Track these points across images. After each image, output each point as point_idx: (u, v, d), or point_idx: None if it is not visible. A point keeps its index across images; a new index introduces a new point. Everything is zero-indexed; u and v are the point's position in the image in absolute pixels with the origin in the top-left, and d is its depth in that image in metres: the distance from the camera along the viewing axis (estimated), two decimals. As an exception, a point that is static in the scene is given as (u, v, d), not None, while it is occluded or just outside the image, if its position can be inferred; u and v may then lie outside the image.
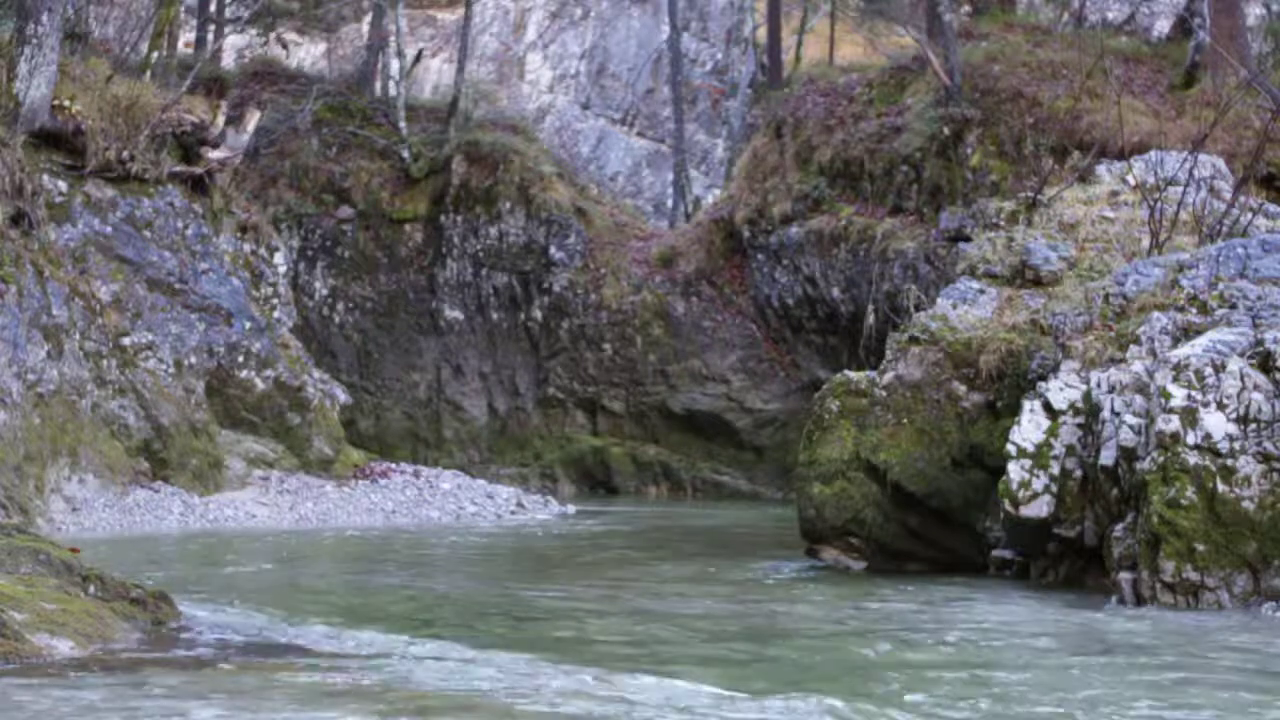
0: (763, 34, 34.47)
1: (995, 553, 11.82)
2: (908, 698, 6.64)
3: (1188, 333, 10.94)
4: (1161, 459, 9.82)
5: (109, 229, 18.00)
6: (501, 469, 25.03)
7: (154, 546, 13.92)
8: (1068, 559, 11.12)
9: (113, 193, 18.19)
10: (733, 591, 10.94)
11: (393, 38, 27.97)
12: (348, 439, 20.50)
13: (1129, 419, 10.31)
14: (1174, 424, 9.85)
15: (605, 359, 25.42)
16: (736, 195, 25.70)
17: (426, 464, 22.50)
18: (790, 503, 16.05)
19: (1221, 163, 16.80)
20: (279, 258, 21.13)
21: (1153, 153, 16.50)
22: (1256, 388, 9.99)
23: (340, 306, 26.14)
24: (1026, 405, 11.25)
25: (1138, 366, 10.77)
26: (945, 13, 22.91)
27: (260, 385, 18.71)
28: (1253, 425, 9.87)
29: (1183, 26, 24.00)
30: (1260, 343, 10.31)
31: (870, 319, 22.29)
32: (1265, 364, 10.15)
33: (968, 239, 15.34)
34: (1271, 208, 14.79)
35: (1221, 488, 9.71)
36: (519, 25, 37.65)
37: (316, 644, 7.82)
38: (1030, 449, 11.00)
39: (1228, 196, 14.80)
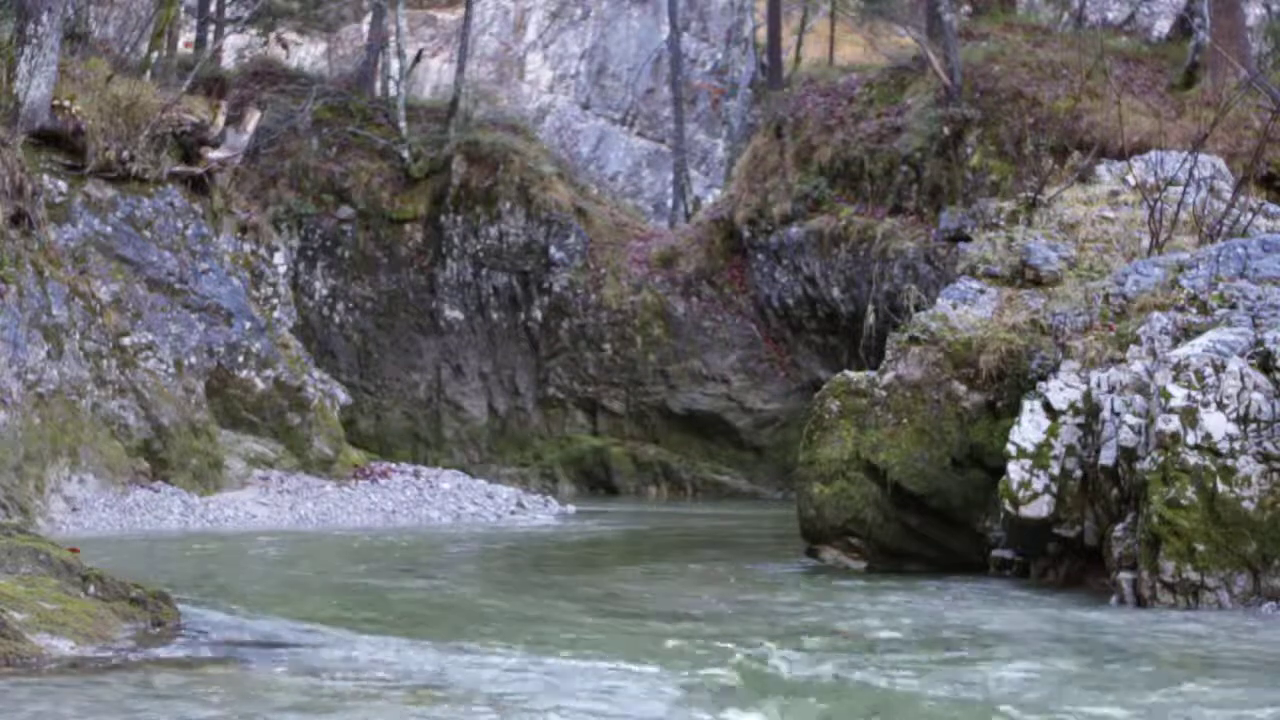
0: (763, 34, 34.47)
1: (995, 553, 11.82)
2: (903, 697, 6.64)
3: (1188, 333, 10.94)
4: (1161, 459, 9.82)
5: (109, 229, 18.00)
6: (501, 469, 25.04)
7: (154, 546, 13.92)
8: (1068, 559, 11.12)
9: (113, 193, 18.19)
10: (733, 592, 10.94)
11: (393, 38, 27.97)
12: (348, 439, 20.51)
13: (1129, 419, 10.31)
14: (1174, 424, 9.86)
15: (605, 359, 25.42)
16: (736, 195, 25.72)
17: (426, 464, 22.51)
18: (790, 503, 16.05)
19: (1221, 163, 16.80)
20: (279, 258, 21.14)
21: (1153, 153, 16.51)
22: (1256, 388, 9.99)
23: (340, 306, 26.14)
24: (1026, 405, 11.25)
25: (1138, 366, 10.77)
26: (945, 13, 22.91)
27: (260, 385, 18.71)
28: (1253, 425, 9.87)
29: (1183, 26, 24.01)
30: (1260, 343, 10.31)
31: (870, 319, 22.30)
32: (1265, 364, 10.15)
33: (968, 239, 15.34)
34: (1271, 208, 14.80)
35: (1221, 488, 9.71)
36: (519, 25, 37.64)
37: (316, 644, 7.82)
38: (1030, 449, 11.00)
39: (1228, 196, 14.80)
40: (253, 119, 23.39)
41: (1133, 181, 15.37)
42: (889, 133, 23.34)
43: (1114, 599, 10.02)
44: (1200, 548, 9.65)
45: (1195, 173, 14.85)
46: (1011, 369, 12.26)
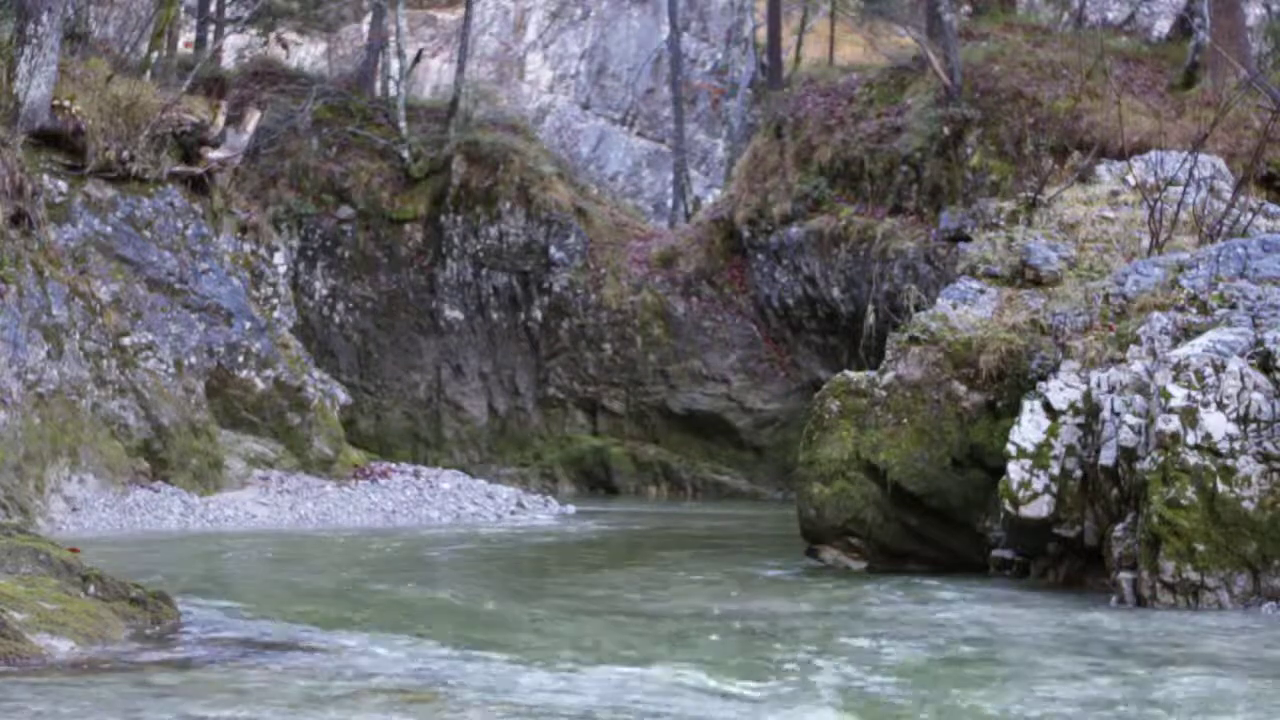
0: (763, 34, 34.45)
1: (995, 553, 11.82)
2: (905, 699, 6.64)
3: (1188, 333, 10.95)
4: (1161, 459, 9.82)
5: (109, 229, 18.00)
6: (501, 469, 25.03)
7: (154, 546, 13.92)
8: (1068, 559, 11.12)
9: (113, 193, 18.19)
10: (735, 594, 10.94)
11: (393, 38, 27.97)
12: (348, 439, 20.50)
13: (1129, 419, 10.31)
14: (1174, 424, 9.86)
15: (605, 359, 25.42)
16: (736, 195, 25.71)
17: (426, 464, 22.50)
18: (790, 503, 16.04)
19: (1221, 163, 16.80)
20: (279, 258, 21.13)
21: (1153, 153, 16.51)
22: (1256, 388, 9.99)
23: (340, 306, 26.14)
24: (1026, 405, 11.25)
25: (1138, 366, 10.77)
26: (945, 13, 22.90)
27: (260, 385, 18.71)
28: (1253, 425, 9.87)
29: (1183, 26, 24.01)
30: (1260, 343, 10.31)
31: (870, 319, 22.30)
32: (1265, 364, 10.15)
33: (968, 239, 15.34)
34: (1271, 208, 14.80)
35: (1221, 488, 9.71)
36: (519, 25, 37.64)
37: (315, 644, 7.82)
38: (1030, 449, 11.00)
39: (1228, 196, 14.80)
40: (253, 119, 23.38)
41: (1133, 181, 15.38)
42: (889, 133, 23.33)
43: (1114, 599, 10.02)
44: (1200, 548, 9.65)
45: (1195, 173, 14.85)
46: (1011, 369, 12.26)
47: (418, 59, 31.20)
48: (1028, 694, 6.77)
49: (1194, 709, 6.45)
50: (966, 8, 27.56)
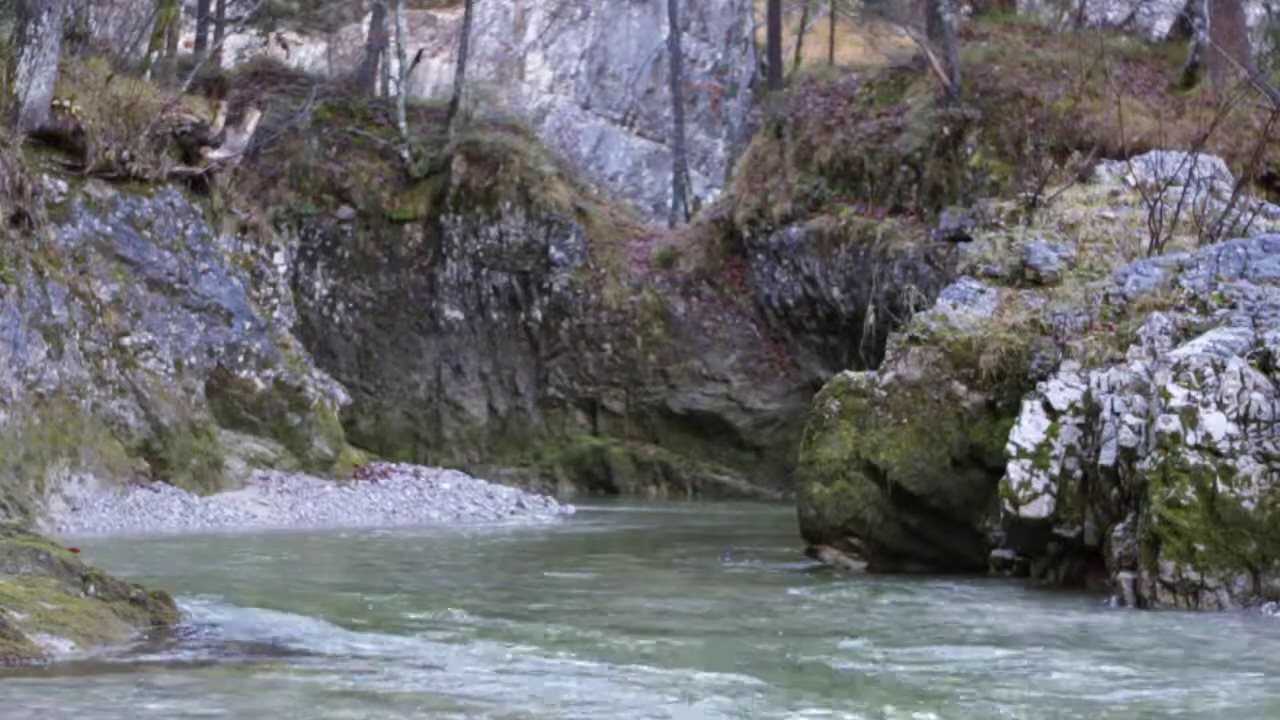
0: (763, 34, 34.46)
1: (995, 553, 11.82)
2: (904, 699, 6.64)
3: (1188, 333, 10.95)
4: (1161, 459, 9.82)
5: (109, 229, 18.00)
6: (501, 469, 25.02)
7: (154, 546, 13.92)
8: (1068, 559, 11.12)
9: (113, 193, 18.18)
10: (732, 592, 10.94)
11: (393, 38, 27.96)
12: (348, 439, 20.49)
13: (1129, 419, 10.31)
14: (1174, 424, 9.86)
15: (605, 359, 25.42)
16: (736, 195, 25.70)
17: (426, 464, 22.49)
18: (790, 503, 16.05)
19: (1221, 163, 16.80)
20: (279, 258, 21.13)
21: (1153, 153, 16.50)
22: (1256, 388, 9.99)
23: (340, 306, 26.13)
24: (1026, 405, 11.25)
25: (1138, 366, 10.77)
26: (945, 13, 22.90)
27: (260, 385, 18.70)
28: (1253, 425, 9.87)
29: (1183, 26, 24.00)
30: (1260, 343, 10.31)
31: (870, 319, 22.29)
32: (1265, 364, 10.15)
33: (968, 239, 15.34)
34: (1271, 208, 14.80)
35: (1221, 488, 9.71)
36: (519, 25, 37.63)
37: (316, 644, 7.82)
38: (1030, 449, 11.00)
39: (1228, 196, 14.80)
40: (253, 119, 23.37)
41: (1133, 181, 15.37)
42: (889, 133, 23.32)
43: (1114, 599, 10.02)
44: (1200, 548, 9.66)
45: (1195, 173, 14.85)
46: (1011, 369, 12.26)
47: (418, 59, 31.20)
48: (1028, 694, 6.77)
49: (1194, 709, 6.45)
50: (966, 8, 27.56)
